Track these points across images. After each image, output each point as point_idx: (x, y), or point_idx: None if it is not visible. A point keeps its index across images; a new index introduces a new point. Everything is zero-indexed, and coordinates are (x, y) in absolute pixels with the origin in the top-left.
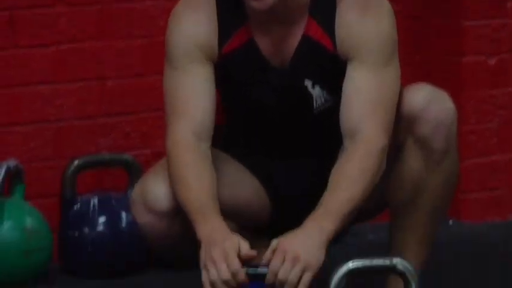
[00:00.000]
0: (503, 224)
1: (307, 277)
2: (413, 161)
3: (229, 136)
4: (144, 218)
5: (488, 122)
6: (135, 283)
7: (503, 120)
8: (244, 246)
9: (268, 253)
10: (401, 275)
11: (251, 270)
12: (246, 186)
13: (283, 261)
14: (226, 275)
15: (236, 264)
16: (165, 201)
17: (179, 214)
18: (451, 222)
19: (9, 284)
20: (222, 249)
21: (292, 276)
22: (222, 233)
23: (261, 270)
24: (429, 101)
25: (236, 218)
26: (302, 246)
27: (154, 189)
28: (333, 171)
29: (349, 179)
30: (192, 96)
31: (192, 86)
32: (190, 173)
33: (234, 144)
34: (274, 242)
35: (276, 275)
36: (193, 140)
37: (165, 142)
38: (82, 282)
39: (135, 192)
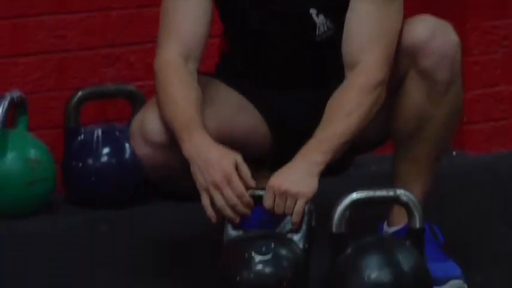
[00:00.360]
0: (507, 155)
1: (299, 205)
2: (416, 93)
3: (229, 67)
4: (142, 150)
5: (493, 53)
6: (138, 214)
7: (508, 51)
8: (243, 168)
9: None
10: (405, 205)
11: (256, 192)
12: (245, 117)
13: (274, 196)
14: (233, 200)
15: (240, 186)
16: (163, 133)
17: (177, 145)
18: (454, 153)
19: (13, 214)
20: (222, 171)
21: (287, 209)
22: (215, 150)
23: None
24: (433, 33)
25: (235, 149)
26: (290, 179)
27: (152, 121)
28: (329, 101)
29: (343, 112)
30: (185, 19)
31: (187, 10)
32: (175, 90)
33: (234, 74)
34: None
35: (272, 212)
36: (181, 61)
37: (154, 62)
38: (85, 213)
39: (134, 124)
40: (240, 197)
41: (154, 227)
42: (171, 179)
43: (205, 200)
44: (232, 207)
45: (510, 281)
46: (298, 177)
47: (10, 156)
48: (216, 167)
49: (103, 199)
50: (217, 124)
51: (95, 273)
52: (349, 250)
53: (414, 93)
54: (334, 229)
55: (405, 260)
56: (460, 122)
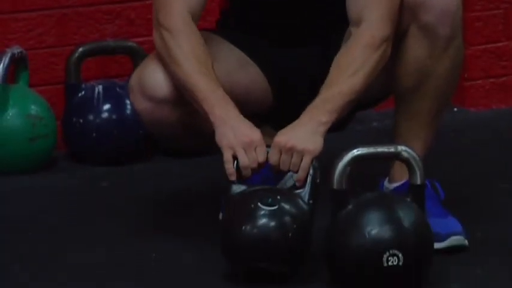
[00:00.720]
0: (507, 111)
1: (305, 161)
2: (418, 49)
3: (229, 24)
4: (141, 105)
5: (495, 8)
6: (139, 170)
7: (510, 6)
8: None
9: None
10: (406, 162)
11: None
12: (245, 72)
13: (280, 153)
14: (255, 163)
15: (265, 155)
16: (162, 88)
17: (177, 101)
18: (455, 109)
19: (15, 170)
20: (252, 137)
21: (293, 165)
22: (246, 120)
23: None
24: None
25: (236, 104)
26: (296, 136)
27: (152, 76)
28: (335, 59)
29: (349, 70)
30: None
31: None
32: (191, 53)
33: (234, 31)
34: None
35: (277, 168)
36: (190, 19)
37: (157, 17)
38: (86, 169)
39: (133, 79)
40: (260, 164)
41: (155, 183)
42: (170, 134)
43: (229, 157)
44: (252, 170)
45: (510, 237)
46: (304, 135)
47: (11, 113)
48: (247, 133)
49: (104, 155)
50: (218, 79)
51: (96, 228)
52: (349, 206)
53: (415, 49)
54: (335, 185)
55: (406, 216)
56: (460, 78)
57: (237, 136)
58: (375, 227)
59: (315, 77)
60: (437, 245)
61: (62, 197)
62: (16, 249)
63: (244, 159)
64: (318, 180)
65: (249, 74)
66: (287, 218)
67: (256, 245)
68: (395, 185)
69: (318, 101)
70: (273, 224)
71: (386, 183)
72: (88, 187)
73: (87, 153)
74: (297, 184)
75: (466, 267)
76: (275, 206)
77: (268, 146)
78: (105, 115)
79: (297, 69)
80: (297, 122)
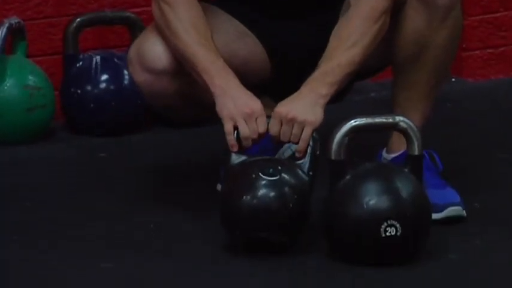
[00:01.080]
0: (506, 81)
1: (306, 132)
2: (417, 19)
3: None
4: (140, 77)
5: None
6: (137, 141)
7: None
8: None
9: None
10: (404, 132)
11: None
12: (244, 43)
13: (281, 124)
14: (255, 134)
15: (265, 126)
16: (162, 60)
17: (176, 72)
18: (453, 80)
19: (13, 141)
20: (253, 107)
21: (293, 136)
22: (247, 91)
23: None
24: None
25: (235, 74)
26: (297, 108)
27: (151, 49)
28: (334, 30)
29: (348, 42)
30: None
31: None
32: (190, 25)
33: (233, 2)
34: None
35: (278, 139)
36: None
37: None
38: (84, 140)
39: (132, 51)
40: (261, 135)
41: (153, 153)
42: (170, 105)
43: (230, 128)
44: (252, 140)
45: (508, 208)
46: (304, 107)
47: (8, 83)
48: (248, 100)
49: (102, 126)
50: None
51: (95, 199)
52: (347, 177)
53: (414, 19)
54: (333, 156)
55: (404, 187)
56: (458, 48)
57: (237, 106)
58: (372, 198)
59: (314, 48)
60: (435, 216)
61: (60, 167)
62: (15, 220)
63: (245, 130)
64: (317, 152)
65: (247, 45)
66: (288, 189)
67: (257, 214)
68: (393, 155)
69: (317, 74)
70: (274, 193)
71: (384, 153)
72: (86, 158)
73: (86, 123)
74: (297, 155)
75: (465, 238)
76: (276, 176)
77: (268, 116)
78: (103, 86)
79: (296, 41)
80: (297, 94)
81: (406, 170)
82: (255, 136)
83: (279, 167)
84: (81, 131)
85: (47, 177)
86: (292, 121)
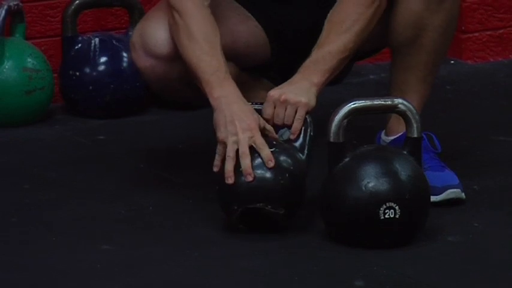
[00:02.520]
0: (504, 63)
1: (300, 113)
2: (414, 1)
3: None
4: (144, 62)
5: None
6: (135, 122)
7: None
8: (265, 126)
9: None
10: (403, 114)
11: (257, 107)
12: (246, 27)
13: (274, 106)
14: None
15: (263, 142)
16: (165, 46)
17: (178, 58)
18: (452, 62)
19: (12, 123)
20: (247, 125)
21: (287, 117)
22: (243, 104)
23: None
24: None
25: (235, 59)
26: (290, 90)
27: (154, 34)
28: (329, 16)
29: (341, 28)
30: None
31: None
32: (198, 28)
33: None
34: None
35: (271, 122)
36: None
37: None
38: (83, 122)
39: (135, 36)
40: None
41: (151, 135)
42: (172, 89)
43: (221, 150)
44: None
45: (507, 190)
46: (297, 90)
47: (7, 65)
48: (242, 124)
49: (100, 108)
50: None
51: (93, 180)
52: (346, 159)
53: (412, 1)
54: (332, 138)
55: (402, 169)
56: (456, 30)
57: (229, 131)
58: (371, 180)
59: (312, 28)
60: (434, 198)
61: (59, 149)
62: (14, 201)
63: (230, 163)
64: (311, 133)
65: (249, 28)
66: (283, 160)
67: (252, 186)
68: (392, 137)
69: (308, 62)
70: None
71: (383, 135)
72: (85, 140)
73: (84, 106)
74: (292, 137)
75: (463, 220)
76: (271, 148)
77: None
78: (101, 68)
79: (294, 22)
80: (289, 80)
81: (404, 152)
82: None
83: (274, 142)
84: (80, 113)
85: (46, 159)
86: (285, 103)
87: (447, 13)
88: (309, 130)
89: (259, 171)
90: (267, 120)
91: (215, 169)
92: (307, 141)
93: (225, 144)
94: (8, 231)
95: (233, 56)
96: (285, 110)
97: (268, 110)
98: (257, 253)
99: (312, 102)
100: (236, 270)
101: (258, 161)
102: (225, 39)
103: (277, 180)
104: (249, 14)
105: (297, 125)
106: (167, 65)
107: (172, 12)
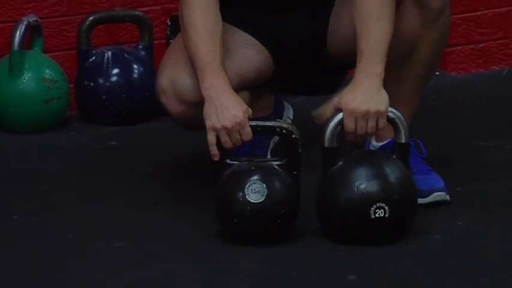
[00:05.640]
0: (485, 75)
1: (382, 121)
2: (411, 19)
3: None
4: (175, 108)
5: None
6: (145, 129)
7: None
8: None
9: (330, 109)
10: (392, 122)
11: (258, 124)
12: (253, 56)
13: (355, 120)
14: (239, 142)
15: (250, 134)
16: (196, 93)
17: None
18: (438, 73)
19: (31, 130)
20: (235, 117)
21: (370, 128)
22: (232, 96)
23: (268, 123)
24: None
25: (247, 85)
26: (365, 99)
27: (186, 82)
28: (355, 13)
29: (373, 18)
30: None
31: None
32: (201, 22)
33: (230, 3)
34: (336, 100)
35: (354, 134)
36: None
37: None
38: (97, 128)
39: (165, 83)
40: (247, 140)
41: (160, 141)
42: (199, 126)
43: (212, 139)
44: (236, 146)
45: (488, 191)
46: (371, 96)
47: (27, 76)
48: (231, 111)
49: (113, 116)
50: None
51: (105, 184)
52: (340, 163)
53: (409, 19)
54: (326, 143)
55: (392, 172)
56: (446, 46)
57: (220, 119)
58: (363, 182)
59: (309, 39)
60: (421, 201)
61: (74, 154)
62: (33, 202)
63: (227, 143)
64: (299, 150)
65: (257, 54)
66: (274, 210)
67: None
68: (381, 143)
69: (363, 58)
70: (260, 218)
71: (373, 141)
72: (98, 145)
73: (98, 114)
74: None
75: (448, 220)
76: (263, 198)
77: (259, 118)
78: (114, 79)
79: (291, 34)
80: (355, 83)
81: (394, 156)
82: (237, 145)
83: (265, 185)
84: (94, 120)
85: (63, 163)
86: (366, 115)
87: (440, 31)
88: (296, 148)
89: (250, 225)
90: (349, 134)
91: (215, 158)
92: (295, 160)
93: (215, 132)
94: (26, 229)
95: (246, 83)
96: (367, 121)
97: (351, 125)
98: (255, 249)
99: (386, 100)
100: (235, 265)
101: (248, 208)
102: (238, 71)
103: (269, 230)
104: (254, 39)
105: (380, 132)
106: (198, 110)
107: (181, 5)
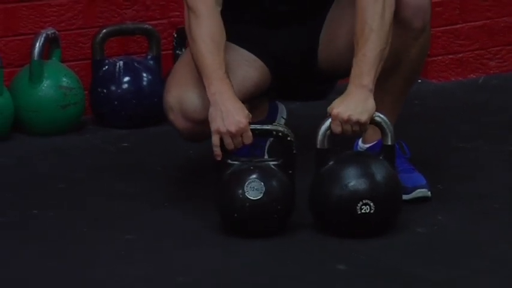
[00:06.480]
0: (463, 83)
1: (362, 129)
2: (395, 37)
3: (224, 13)
4: (182, 125)
5: None
6: (153, 132)
7: None
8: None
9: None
10: (378, 125)
11: (257, 128)
12: (252, 72)
13: (341, 125)
14: (239, 146)
15: (251, 138)
16: (201, 111)
17: None
18: (420, 81)
19: (50, 133)
20: (238, 122)
21: (354, 132)
22: (235, 102)
23: (266, 127)
24: None
25: (247, 98)
26: (349, 108)
27: (192, 102)
28: (355, 24)
29: (363, 32)
30: None
31: None
32: (207, 34)
33: (228, 20)
34: (328, 109)
35: (340, 135)
36: (212, 1)
37: (186, 1)
38: (110, 131)
39: (172, 101)
40: (248, 143)
41: (168, 143)
42: (203, 140)
43: (216, 141)
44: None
45: (465, 188)
46: (356, 105)
47: (46, 84)
48: (235, 117)
49: (124, 120)
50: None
51: (118, 180)
52: (331, 162)
53: (393, 38)
54: (318, 145)
55: (378, 172)
56: (426, 58)
57: (225, 123)
58: (351, 181)
59: (305, 52)
60: (405, 197)
61: (89, 155)
62: (52, 199)
63: (229, 145)
64: (294, 151)
65: (256, 70)
66: (271, 206)
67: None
68: (368, 145)
69: (354, 71)
70: (259, 215)
71: (360, 143)
72: (111, 147)
73: (110, 118)
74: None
75: (429, 214)
76: (261, 195)
77: (257, 122)
78: (125, 86)
79: (289, 48)
80: (346, 92)
81: (380, 157)
82: (239, 147)
83: (263, 183)
84: (107, 124)
85: (78, 162)
86: (348, 122)
87: (421, 47)
88: (291, 149)
89: (250, 220)
90: (336, 135)
91: (218, 158)
92: (290, 160)
93: (219, 135)
94: (45, 224)
95: (246, 97)
96: (352, 126)
97: (335, 128)
98: (254, 241)
99: (370, 107)
100: (236, 255)
101: (247, 204)
102: (239, 88)
103: (268, 225)
104: (253, 56)
105: (363, 134)
106: (203, 126)
107: (188, 11)
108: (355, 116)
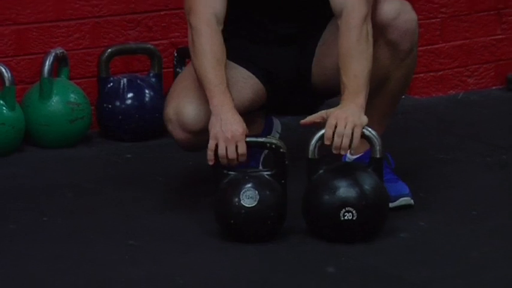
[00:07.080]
0: (443, 99)
1: (357, 132)
2: (383, 58)
3: (226, 29)
4: (180, 136)
5: (433, 17)
6: (155, 145)
7: (446, 16)
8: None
9: (315, 117)
10: (368, 138)
11: (252, 140)
12: (248, 89)
13: (335, 129)
14: (233, 155)
15: (244, 149)
16: (199, 123)
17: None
18: (403, 97)
19: (58, 145)
20: (234, 132)
21: (347, 131)
22: (234, 115)
23: (260, 139)
24: (399, 12)
25: (243, 113)
26: (347, 113)
27: (190, 114)
28: (339, 51)
29: (353, 53)
30: None
31: None
32: (210, 49)
33: (231, 40)
34: (324, 113)
35: (332, 133)
36: (214, 20)
37: (188, 19)
38: (115, 144)
39: (171, 113)
40: (241, 155)
41: (169, 155)
42: (200, 149)
43: (212, 145)
44: (230, 160)
45: (445, 196)
46: (353, 112)
47: (55, 100)
48: (233, 125)
49: (128, 133)
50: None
51: (122, 189)
52: (321, 172)
53: (381, 58)
54: (309, 155)
55: (364, 181)
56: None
57: (223, 129)
58: (337, 189)
59: (295, 70)
60: (389, 205)
61: (95, 166)
62: (60, 206)
63: (222, 151)
64: (286, 162)
65: (252, 87)
66: (264, 213)
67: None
68: (355, 156)
69: (346, 91)
70: (253, 221)
71: (348, 154)
72: (116, 158)
73: (115, 131)
74: (352, 152)
75: (412, 221)
76: (255, 203)
77: (253, 135)
78: (128, 101)
79: (286, 64)
80: (340, 106)
81: (369, 168)
82: (233, 156)
83: (257, 192)
84: (112, 137)
85: (85, 173)
86: (346, 120)
87: (407, 68)
88: (283, 160)
89: (246, 226)
90: (327, 138)
91: (210, 163)
92: (283, 170)
93: (216, 141)
94: (54, 230)
95: (241, 112)
96: (344, 127)
97: (329, 131)
98: (248, 246)
99: (364, 120)
100: (231, 259)
101: (242, 211)
102: (236, 103)
103: (260, 232)
104: (249, 73)
105: (355, 141)
106: (200, 137)
107: (191, 29)
108: (352, 117)
